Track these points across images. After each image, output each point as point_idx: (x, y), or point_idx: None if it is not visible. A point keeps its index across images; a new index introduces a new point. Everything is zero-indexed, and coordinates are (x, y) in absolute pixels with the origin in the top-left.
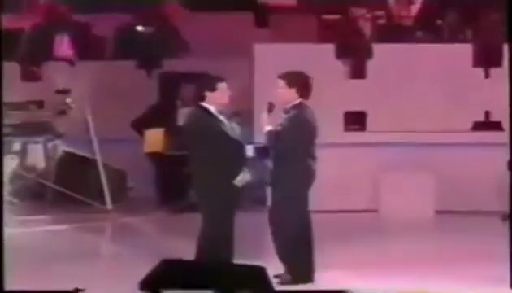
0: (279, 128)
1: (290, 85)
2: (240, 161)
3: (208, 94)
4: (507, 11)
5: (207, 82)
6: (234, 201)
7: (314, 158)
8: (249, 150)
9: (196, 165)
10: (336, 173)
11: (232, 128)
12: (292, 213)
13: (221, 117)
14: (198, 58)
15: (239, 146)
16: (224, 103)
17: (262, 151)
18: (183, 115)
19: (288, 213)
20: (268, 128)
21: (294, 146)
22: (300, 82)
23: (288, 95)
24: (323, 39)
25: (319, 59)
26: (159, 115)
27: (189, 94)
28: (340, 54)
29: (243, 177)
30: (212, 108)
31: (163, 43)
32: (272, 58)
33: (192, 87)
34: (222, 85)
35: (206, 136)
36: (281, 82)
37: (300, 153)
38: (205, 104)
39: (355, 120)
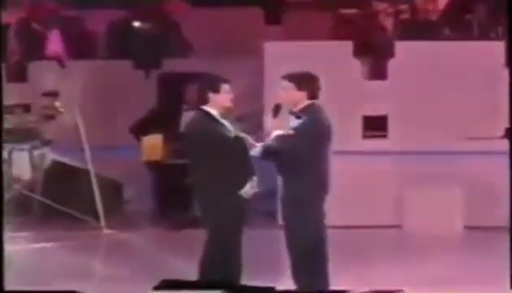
0: (290, 132)
1: (300, 87)
2: (246, 169)
3: (211, 95)
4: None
5: (210, 83)
6: (241, 215)
7: (327, 164)
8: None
9: (197, 175)
10: (355, 185)
11: (238, 134)
12: (307, 226)
13: (225, 122)
14: (202, 57)
15: (245, 154)
16: (228, 107)
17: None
18: (186, 120)
19: (301, 226)
20: (276, 132)
21: (308, 152)
22: (310, 84)
23: (297, 97)
24: (339, 36)
25: (336, 58)
26: (159, 120)
27: (193, 96)
28: (359, 52)
29: (250, 188)
30: (215, 112)
31: (163, 41)
32: (284, 57)
33: (195, 89)
34: (225, 87)
35: (208, 142)
36: (287, 83)
37: (312, 160)
38: (207, 108)
39: (375, 126)
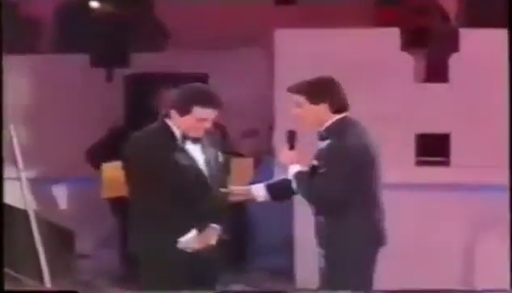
0: (315, 164)
1: (314, 100)
2: (195, 212)
3: (173, 114)
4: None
5: (178, 100)
6: (188, 274)
7: (379, 205)
8: (260, 190)
9: (133, 214)
10: (408, 232)
11: (209, 162)
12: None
13: (190, 147)
14: (186, 50)
15: (200, 188)
16: (197, 134)
17: (278, 191)
18: None
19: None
20: (295, 168)
21: (344, 190)
22: (328, 93)
23: (316, 115)
24: (381, 21)
25: (376, 51)
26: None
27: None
28: (408, 43)
29: (193, 238)
30: (176, 131)
31: (132, 29)
32: (301, 50)
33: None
34: (205, 112)
35: (151, 168)
36: (298, 98)
37: (355, 200)
38: (170, 122)
39: (433, 149)
